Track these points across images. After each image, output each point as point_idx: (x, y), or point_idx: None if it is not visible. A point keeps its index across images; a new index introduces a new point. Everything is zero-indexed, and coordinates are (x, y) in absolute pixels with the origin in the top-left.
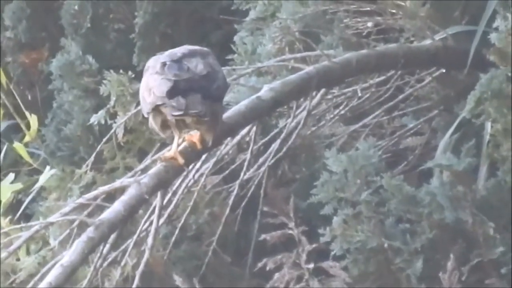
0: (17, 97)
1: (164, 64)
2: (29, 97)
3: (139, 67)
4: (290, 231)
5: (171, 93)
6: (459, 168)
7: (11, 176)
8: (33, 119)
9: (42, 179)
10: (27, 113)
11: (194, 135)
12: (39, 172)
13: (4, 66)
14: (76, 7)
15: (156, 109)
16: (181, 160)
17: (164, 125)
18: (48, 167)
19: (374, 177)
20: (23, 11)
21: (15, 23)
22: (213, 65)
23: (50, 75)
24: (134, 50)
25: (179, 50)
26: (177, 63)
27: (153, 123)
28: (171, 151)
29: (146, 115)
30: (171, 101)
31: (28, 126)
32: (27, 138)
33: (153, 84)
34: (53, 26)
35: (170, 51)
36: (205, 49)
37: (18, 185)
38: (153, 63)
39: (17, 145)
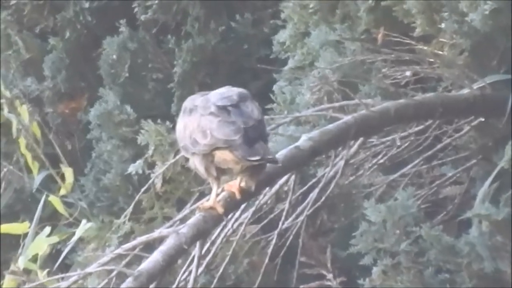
0: (56, 147)
1: (223, 108)
2: (69, 147)
3: (177, 116)
4: (329, 282)
5: (243, 138)
6: (498, 218)
7: (48, 229)
8: (68, 172)
9: (79, 232)
10: (62, 166)
11: (233, 185)
12: (78, 222)
13: (43, 116)
14: (114, 57)
15: (209, 152)
16: (220, 210)
17: (207, 167)
18: (84, 221)
19: (413, 227)
20: (62, 61)
21: (54, 73)
22: (256, 104)
23: (88, 124)
24: (172, 99)
25: (228, 92)
26: (237, 108)
27: (197, 165)
28: (210, 201)
29: (189, 155)
30: (244, 146)
31: (64, 178)
32: (62, 191)
33: (210, 125)
34: (92, 75)
35: (215, 92)
36: (245, 91)
37: (55, 238)
38: (201, 103)
39: (52, 198)
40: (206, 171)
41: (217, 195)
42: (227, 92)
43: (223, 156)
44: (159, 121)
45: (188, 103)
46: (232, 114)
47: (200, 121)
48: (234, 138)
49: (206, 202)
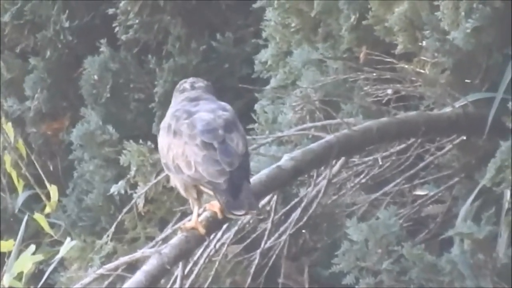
0: (38, 167)
1: (209, 144)
2: (51, 167)
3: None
4: None
5: (228, 183)
6: (479, 236)
7: (32, 247)
8: (53, 190)
9: (63, 251)
10: (47, 184)
11: (214, 204)
12: (60, 242)
13: (26, 137)
14: (95, 77)
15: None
16: (202, 230)
17: (188, 189)
18: (68, 239)
19: (395, 246)
20: (43, 81)
21: (35, 93)
22: (241, 130)
23: (71, 145)
24: (154, 119)
25: (215, 121)
26: (223, 144)
27: (178, 185)
28: (191, 221)
29: (170, 174)
30: (229, 194)
31: (49, 197)
32: (47, 209)
33: (195, 158)
34: (74, 95)
35: (201, 115)
36: (230, 113)
37: (39, 257)
38: (187, 129)
39: (38, 216)
40: (186, 192)
41: (199, 215)
42: (213, 121)
43: (205, 190)
44: (141, 141)
45: (172, 118)
46: (218, 152)
47: (185, 149)
48: (219, 182)
49: (187, 223)
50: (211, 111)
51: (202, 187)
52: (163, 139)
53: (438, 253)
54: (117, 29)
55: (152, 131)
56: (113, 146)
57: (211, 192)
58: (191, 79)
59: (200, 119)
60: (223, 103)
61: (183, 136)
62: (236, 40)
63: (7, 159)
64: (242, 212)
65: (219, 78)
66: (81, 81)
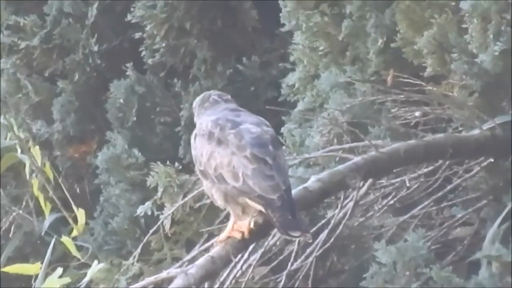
0: (65, 190)
1: (260, 158)
2: (78, 190)
3: (185, 159)
4: None
5: (282, 201)
6: (508, 259)
7: (59, 270)
8: (80, 214)
9: (90, 274)
10: (74, 208)
11: (242, 225)
12: (87, 265)
13: (53, 160)
14: (121, 100)
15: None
16: (238, 235)
17: (227, 200)
18: (96, 262)
19: (423, 268)
20: (71, 104)
21: (63, 116)
22: (282, 149)
23: (98, 168)
24: (180, 142)
25: (263, 136)
26: (274, 161)
27: (215, 194)
28: (226, 231)
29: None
30: (284, 212)
31: (76, 220)
32: (74, 233)
33: (244, 170)
34: (101, 118)
35: (247, 126)
36: (272, 130)
37: (67, 279)
38: (234, 139)
39: (65, 239)
40: (226, 203)
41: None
42: (262, 135)
43: (253, 204)
44: (168, 162)
45: (214, 126)
46: (270, 168)
47: (232, 160)
48: (272, 197)
49: (222, 235)
50: (256, 124)
51: (249, 201)
52: (202, 146)
53: (466, 275)
54: (143, 53)
55: (179, 154)
56: (139, 169)
57: (260, 207)
58: (215, 92)
59: (247, 131)
60: (261, 118)
61: (230, 145)
62: (262, 63)
63: (35, 182)
64: (298, 234)
65: (245, 101)
66: (107, 105)
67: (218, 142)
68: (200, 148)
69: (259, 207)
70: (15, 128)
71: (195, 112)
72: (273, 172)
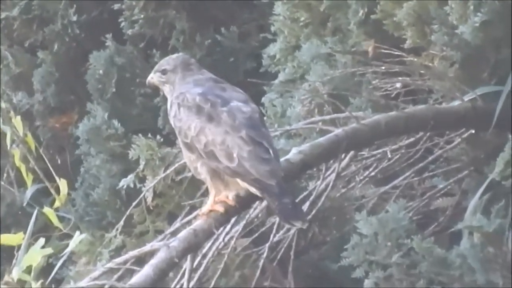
0: (47, 161)
1: (256, 141)
2: (59, 161)
3: (164, 130)
4: None
5: (279, 187)
6: (489, 230)
7: (42, 241)
8: (62, 184)
9: (72, 245)
10: (56, 178)
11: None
12: (69, 236)
13: (34, 130)
14: (101, 72)
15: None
16: (220, 209)
17: (213, 179)
18: (78, 232)
19: (404, 239)
20: (52, 74)
21: (44, 87)
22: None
23: (78, 139)
24: (159, 113)
25: (253, 115)
26: (270, 145)
27: (200, 169)
28: (207, 205)
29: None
30: (283, 201)
31: (58, 191)
32: (57, 203)
33: (239, 152)
34: (82, 89)
35: (237, 104)
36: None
37: (49, 250)
38: (227, 118)
39: (47, 210)
40: (209, 178)
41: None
42: (253, 115)
43: (244, 185)
44: (149, 135)
45: (203, 100)
46: (266, 151)
47: (226, 139)
48: (271, 183)
49: (204, 208)
50: (244, 102)
51: (241, 182)
52: (190, 119)
53: (448, 246)
54: (122, 24)
55: (158, 125)
56: (119, 140)
57: (254, 190)
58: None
59: (239, 110)
60: (244, 93)
61: (223, 124)
62: (241, 34)
63: (16, 153)
64: (299, 224)
65: (224, 72)
66: (87, 76)
67: (209, 118)
68: (186, 121)
69: (253, 190)
70: None
71: (175, 75)
72: (269, 156)
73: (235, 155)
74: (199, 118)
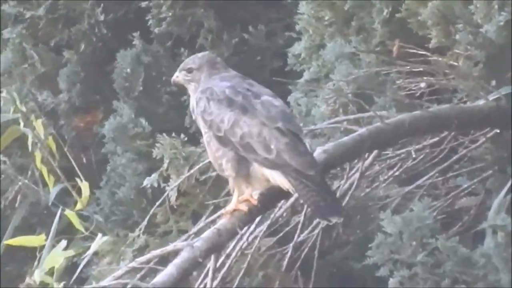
0: (71, 160)
1: (293, 132)
2: (84, 160)
3: (191, 129)
4: None
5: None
6: None
7: (64, 243)
8: (84, 186)
9: (94, 247)
10: (78, 180)
11: (247, 196)
12: (94, 235)
13: (59, 130)
14: (128, 70)
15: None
16: (244, 208)
17: (238, 172)
18: (100, 235)
19: (429, 238)
20: (77, 74)
21: (69, 86)
22: None
23: (104, 138)
24: (186, 112)
25: (285, 110)
26: (304, 137)
27: (225, 160)
28: (232, 204)
29: (219, 145)
30: (322, 194)
31: (80, 192)
32: (79, 206)
33: (276, 144)
34: (107, 89)
35: (269, 99)
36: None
37: (71, 252)
38: (263, 109)
39: (68, 213)
40: (234, 174)
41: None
42: (285, 109)
43: (278, 180)
44: (173, 134)
45: (234, 93)
46: (302, 143)
47: (262, 131)
48: (310, 173)
49: (228, 207)
50: (273, 96)
51: (276, 176)
52: (223, 112)
53: (472, 246)
54: (150, 22)
55: (185, 124)
56: (145, 139)
57: (288, 186)
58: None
59: (270, 104)
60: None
61: (258, 115)
62: (267, 33)
63: (38, 155)
64: (336, 219)
65: (251, 70)
66: (113, 75)
67: (243, 110)
68: (218, 114)
69: (287, 185)
70: (17, 101)
71: (200, 73)
72: (305, 147)
73: (272, 146)
74: (232, 111)
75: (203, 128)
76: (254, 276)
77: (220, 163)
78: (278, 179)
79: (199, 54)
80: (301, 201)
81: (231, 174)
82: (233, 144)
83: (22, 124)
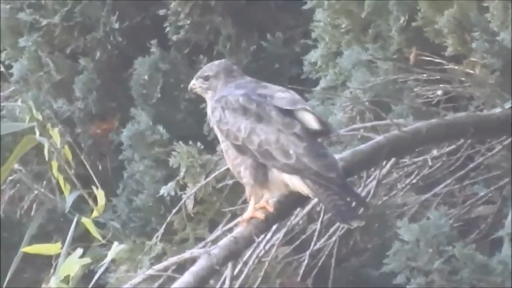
0: (88, 167)
1: (311, 134)
2: (100, 167)
3: (209, 136)
4: None
5: (341, 179)
6: None
7: (79, 251)
8: (100, 195)
9: (111, 255)
10: (94, 188)
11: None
12: (111, 243)
13: (75, 137)
14: (146, 77)
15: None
16: (261, 216)
17: (256, 179)
18: (116, 243)
19: (446, 246)
20: (93, 81)
21: (85, 94)
22: None
23: (120, 145)
24: (204, 119)
25: (289, 94)
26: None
27: (243, 168)
28: (248, 211)
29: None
30: (343, 197)
31: (96, 200)
32: (95, 214)
33: (295, 149)
34: (123, 96)
35: (274, 88)
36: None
37: (86, 260)
38: (278, 117)
39: (85, 220)
40: (253, 181)
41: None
42: (296, 97)
43: (298, 185)
44: (190, 142)
45: (248, 101)
46: (321, 146)
47: (280, 138)
48: (331, 176)
49: (244, 215)
50: (285, 91)
51: (297, 182)
52: (238, 121)
53: (489, 253)
54: (167, 29)
55: (203, 132)
56: (163, 146)
57: (308, 191)
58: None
59: (280, 97)
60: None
61: (274, 123)
62: (285, 40)
63: (54, 164)
64: (357, 223)
65: (269, 78)
66: (131, 82)
67: (258, 118)
68: (234, 123)
69: (307, 191)
70: (34, 110)
71: (217, 81)
72: (325, 150)
73: (291, 151)
74: (248, 119)
75: (220, 137)
76: (271, 284)
77: (239, 170)
78: (297, 184)
79: (216, 62)
80: (322, 205)
81: (249, 181)
82: (251, 152)
83: (38, 133)
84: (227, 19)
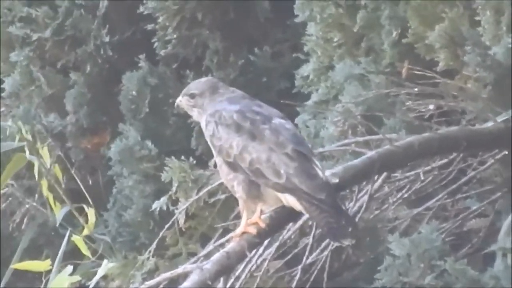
0: (79, 182)
1: (302, 154)
2: (90, 182)
3: (197, 151)
4: None
5: (331, 199)
6: None
7: (70, 268)
8: (90, 212)
9: (101, 272)
10: (86, 203)
11: (255, 218)
12: (103, 258)
13: (66, 152)
14: (134, 92)
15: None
16: (253, 230)
17: (250, 195)
18: (105, 261)
19: (437, 260)
20: (84, 96)
21: (76, 108)
22: None
23: (111, 160)
24: (192, 134)
25: (296, 132)
26: (315, 160)
27: (237, 184)
28: (241, 226)
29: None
30: (333, 217)
31: (87, 217)
32: (85, 232)
33: (286, 169)
34: (114, 110)
35: (280, 121)
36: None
37: (76, 277)
38: (271, 136)
39: (75, 238)
40: (245, 196)
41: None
42: (297, 132)
43: (291, 201)
44: (182, 157)
45: (242, 118)
46: (313, 166)
47: (271, 157)
48: (320, 197)
49: (237, 230)
50: (283, 118)
51: (290, 199)
52: (231, 137)
53: (481, 268)
54: (155, 44)
55: (191, 146)
56: (152, 161)
57: (301, 208)
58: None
59: (283, 127)
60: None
61: (266, 141)
62: (274, 54)
63: (44, 183)
64: (348, 241)
65: (257, 91)
66: (120, 97)
67: (251, 136)
68: (227, 139)
69: (299, 207)
70: (23, 130)
71: (202, 99)
72: (317, 170)
73: (282, 171)
74: (240, 136)
75: (214, 152)
76: None
77: (232, 185)
78: (290, 200)
79: (202, 80)
80: (313, 223)
81: (242, 196)
82: (243, 169)
83: (27, 152)
84: (215, 33)
